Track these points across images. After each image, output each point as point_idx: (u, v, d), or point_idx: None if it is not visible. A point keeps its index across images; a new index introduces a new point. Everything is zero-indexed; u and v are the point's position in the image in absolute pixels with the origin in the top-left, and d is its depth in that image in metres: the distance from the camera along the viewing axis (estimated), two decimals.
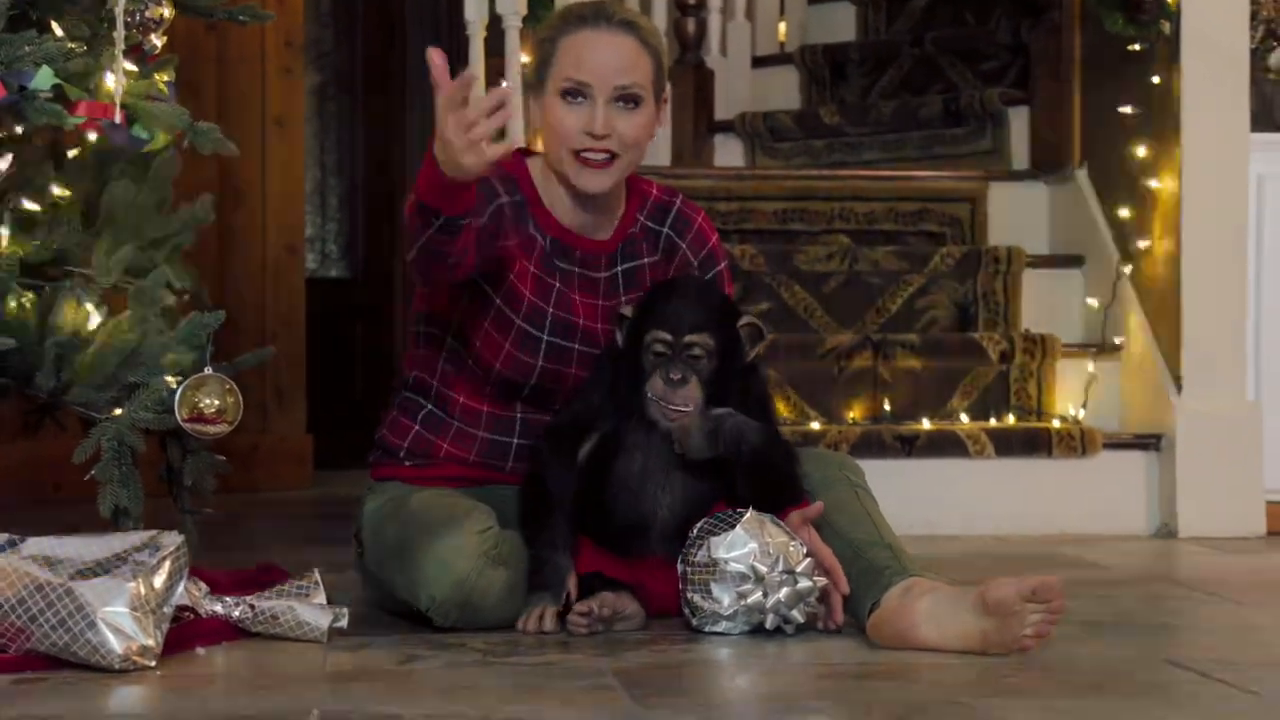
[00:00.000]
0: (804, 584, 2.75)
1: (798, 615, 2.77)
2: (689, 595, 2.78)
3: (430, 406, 3.05)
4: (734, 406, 2.84)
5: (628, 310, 2.91)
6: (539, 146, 3.06)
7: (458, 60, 7.03)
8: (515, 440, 3.02)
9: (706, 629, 2.79)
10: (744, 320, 2.91)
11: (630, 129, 2.90)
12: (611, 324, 2.96)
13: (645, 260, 3.06)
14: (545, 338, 2.96)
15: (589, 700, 2.31)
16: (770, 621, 2.77)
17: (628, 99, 2.89)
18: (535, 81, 2.95)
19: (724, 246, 3.17)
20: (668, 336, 2.82)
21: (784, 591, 2.74)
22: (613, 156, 2.90)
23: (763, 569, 2.74)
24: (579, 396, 2.94)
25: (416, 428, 3.05)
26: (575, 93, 2.88)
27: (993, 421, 4.74)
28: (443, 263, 2.71)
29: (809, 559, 2.76)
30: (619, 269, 3.04)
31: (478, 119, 2.47)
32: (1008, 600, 2.56)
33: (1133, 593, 3.43)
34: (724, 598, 2.75)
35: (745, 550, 2.74)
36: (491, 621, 2.84)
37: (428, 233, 2.66)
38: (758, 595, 2.75)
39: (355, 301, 7.52)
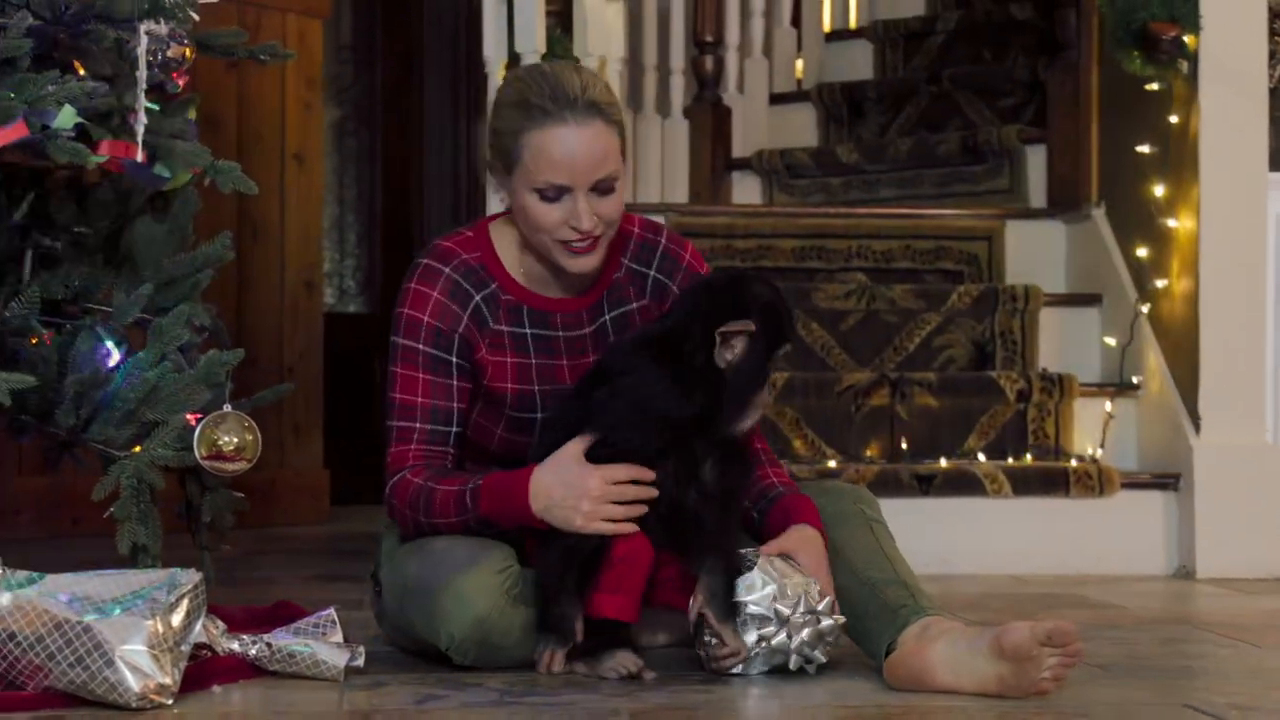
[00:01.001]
0: (826, 623, 2.75)
1: (820, 655, 2.77)
2: (706, 638, 2.77)
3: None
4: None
5: (737, 326, 2.74)
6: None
7: (475, 94, 7.05)
8: None
9: (725, 671, 2.78)
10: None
11: (611, 210, 2.84)
12: (714, 345, 2.77)
13: (634, 305, 3.00)
14: (539, 415, 2.95)
15: None
16: (794, 663, 2.76)
17: (605, 186, 2.83)
18: (497, 164, 2.87)
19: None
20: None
21: (806, 632, 2.74)
22: (597, 238, 2.85)
23: (786, 611, 2.73)
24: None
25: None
26: (553, 193, 2.82)
27: (1010, 460, 4.73)
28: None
29: (828, 597, 2.76)
30: (607, 317, 2.99)
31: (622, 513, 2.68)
32: (1023, 645, 2.55)
33: (1150, 634, 3.41)
34: (746, 640, 2.75)
35: (765, 592, 2.74)
36: (511, 661, 2.84)
37: (454, 526, 2.82)
38: (781, 637, 2.74)
39: (374, 337, 7.51)
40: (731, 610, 2.75)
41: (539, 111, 2.79)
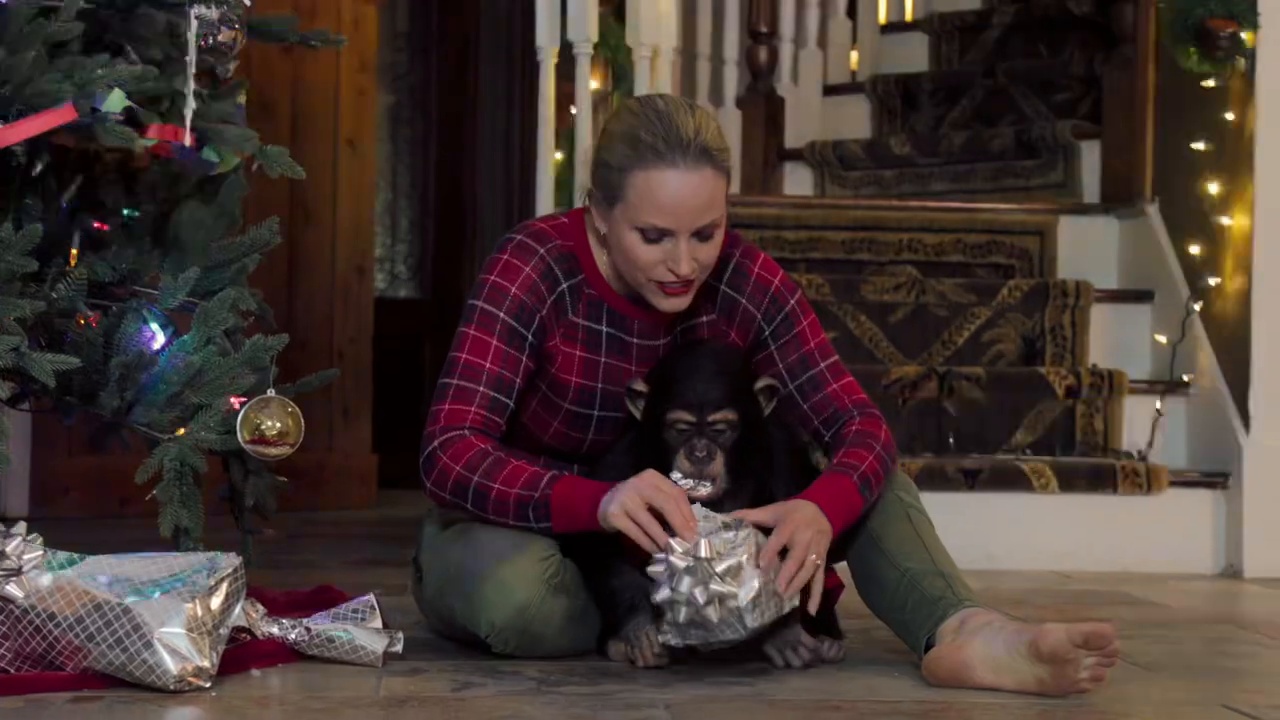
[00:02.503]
0: (716, 588, 2.62)
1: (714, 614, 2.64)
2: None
3: None
4: (757, 469, 2.83)
5: (640, 385, 2.84)
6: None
7: (528, 83, 7.04)
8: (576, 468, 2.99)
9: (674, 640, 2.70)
10: (761, 384, 2.85)
11: (709, 255, 2.79)
12: (626, 398, 2.87)
13: (704, 319, 2.95)
14: (596, 413, 2.93)
15: None
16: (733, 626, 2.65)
17: (708, 232, 2.77)
18: (598, 195, 2.81)
19: (792, 281, 3.01)
20: (690, 418, 2.77)
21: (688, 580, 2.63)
22: (692, 281, 2.80)
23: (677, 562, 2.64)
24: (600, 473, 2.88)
25: None
26: (655, 235, 2.76)
27: (1058, 457, 4.70)
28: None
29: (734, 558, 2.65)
30: (678, 329, 2.95)
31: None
32: (1060, 649, 2.54)
33: (1195, 635, 3.39)
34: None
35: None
36: (550, 650, 2.84)
37: (507, 500, 2.74)
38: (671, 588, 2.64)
39: (423, 321, 7.55)
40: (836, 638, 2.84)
41: (651, 152, 2.72)
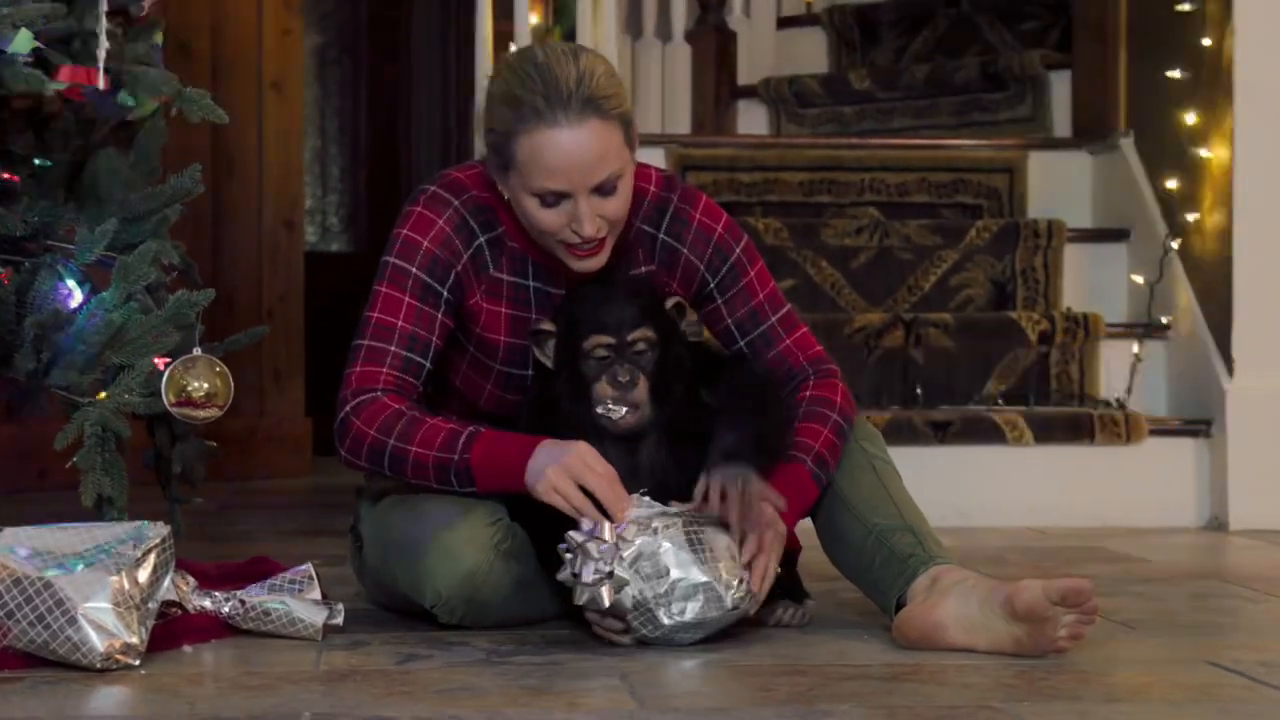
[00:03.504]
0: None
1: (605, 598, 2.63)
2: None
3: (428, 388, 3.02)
4: (677, 393, 2.81)
5: (546, 325, 2.83)
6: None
7: (467, 18, 7.01)
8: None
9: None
10: (671, 301, 2.84)
11: (616, 209, 2.77)
12: (530, 342, 2.86)
13: (642, 269, 2.93)
14: (531, 373, 2.91)
15: (597, 703, 2.31)
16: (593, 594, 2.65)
17: (609, 187, 2.75)
18: (493, 160, 2.80)
19: (738, 226, 2.98)
20: (610, 339, 2.76)
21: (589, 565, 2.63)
22: (603, 239, 2.79)
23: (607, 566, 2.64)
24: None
25: None
26: (552, 199, 2.74)
27: (1032, 406, 4.73)
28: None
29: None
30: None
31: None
32: (1037, 605, 2.55)
33: (1179, 590, 3.41)
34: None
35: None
36: (499, 620, 2.84)
37: (424, 462, 2.73)
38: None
39: (357, 277, 7.50)
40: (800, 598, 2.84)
41: (530, 112, 2.70)
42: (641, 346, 2.77)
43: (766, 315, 2.94)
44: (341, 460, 2.83)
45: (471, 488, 2.73)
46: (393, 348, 2.80)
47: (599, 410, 2.76)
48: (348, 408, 2.78)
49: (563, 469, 2.64)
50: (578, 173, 2.70)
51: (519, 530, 2.84)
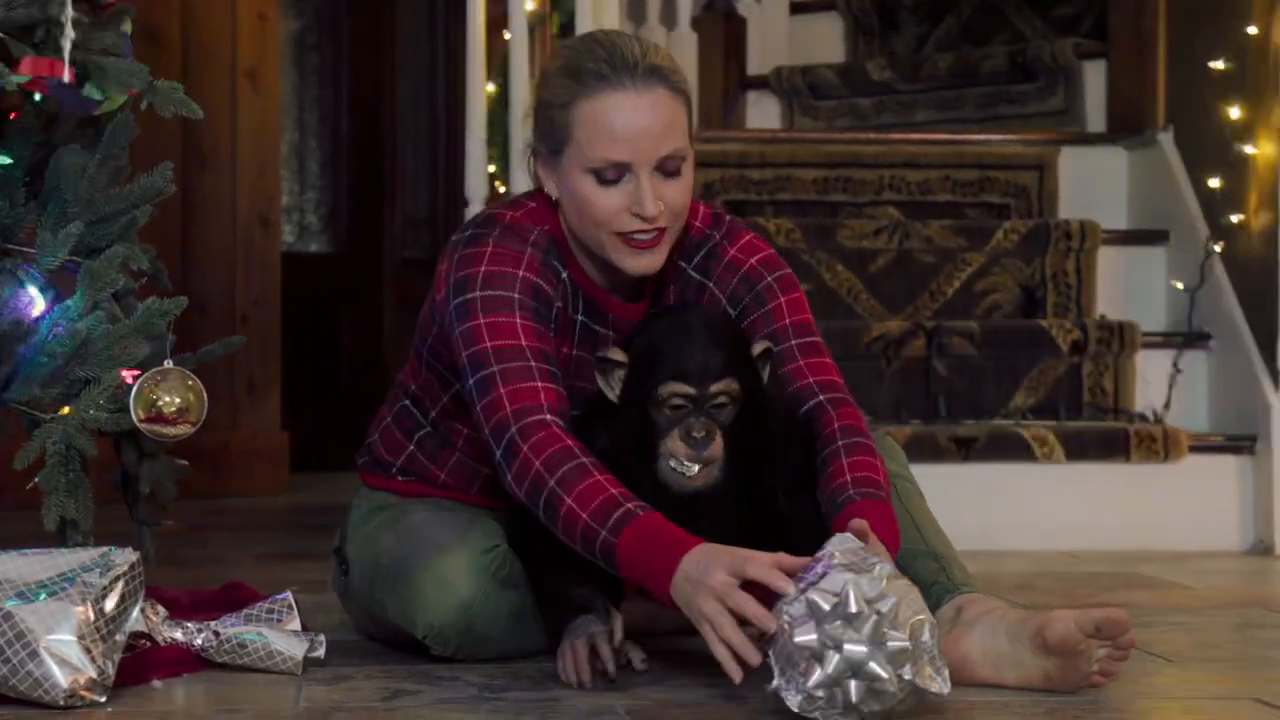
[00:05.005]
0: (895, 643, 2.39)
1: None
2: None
3: (429, 429, 3.00)
4: (754, 452, 2.69)
5: (618, 355, 2.71)
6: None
7: (454, 2, 7.02)
8: None
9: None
10: (758, 348, 2.74)
11: (679, 196, 2.75)
12: (595, 369, 2.74)
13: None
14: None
15: None
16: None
17: (672, 167, 2.74)
18: (542, 147, 2.79)
19: (776, 258, 2.93)
20: (690, 390, 2.64)
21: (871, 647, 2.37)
22: (661, 231, 2.76)
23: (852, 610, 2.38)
24: None
25: (411, 448, 3.00)
26: (613, 174, 2.74)
27: (1062, 421, 4.73)
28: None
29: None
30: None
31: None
32: (1070, 638, 2.55)
33: (1221, 620, 3.42)
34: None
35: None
36: (495, 652, 2.85)
37: (573, 525, 2.56)
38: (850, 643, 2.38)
39: (338, 280, 7.53)
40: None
41: (594, 77, 2.71)
42: (723, 400, 2.66)
43: (787, 338, 2.87)
44: (507, 488, 2.67)
45: (616, 570, 2.58)
46: (532, 363, 2.70)
47: (667, 464, 2.65)
48: (514, 430, 2.64)
49: (711, 593, 2.44)
50: (642, 140, 2.71)
51: (516, 557, 2.84)
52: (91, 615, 2.51)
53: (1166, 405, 4.81)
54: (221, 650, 2.76)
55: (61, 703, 2.48)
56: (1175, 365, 4.84)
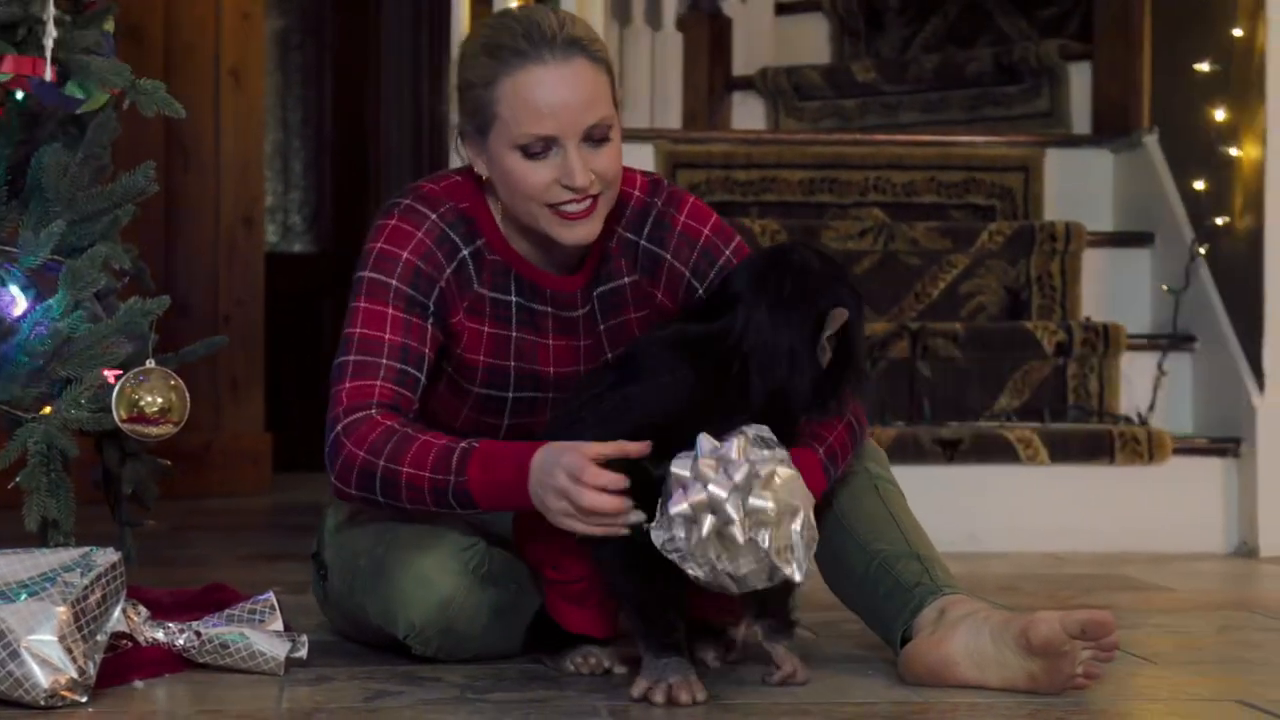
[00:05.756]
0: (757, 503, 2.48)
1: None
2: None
3: None
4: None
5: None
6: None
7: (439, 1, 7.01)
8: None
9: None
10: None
11: (610, 163, 2.77)
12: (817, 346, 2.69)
13: (625, 280, 2.92)
14: (511, 395, 2.90)
15: None
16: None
17: (599, 134, 2.76)
18: (468, 127, 2.80)
19: (728, 228, 2.96)
20: None
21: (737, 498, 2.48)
22: (594, 199, 2.77)
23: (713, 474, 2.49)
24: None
25: None
26: (539, 147, 2.74)
27: (1047, 423, 4.73)
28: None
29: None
30: (595, 294, 2.91)
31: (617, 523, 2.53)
32: (1054, 640, 2.56)
33: (1205, 621, 3.42)
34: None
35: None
36: (476, 651, 2.85)
37: (420, 485, 2.65)
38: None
39: (322, 280, 7.52)
40: (783, 629, 2.70)
41: (513, 53, 2.72)
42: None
43: None
44: (333, 489, 2.78)
45: (475, 509, 2.68)
46: (383, 360, 2.77)
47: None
48: (339, 428, 2.74)
49: (560, 495, 2.54)
50: (566, 112, 2.71)
51: (496, 553, 2.85)
52: (72, 615, 2.51)
53: (1151, 407, 4.82)
54: (203, 651, 2.76)
55: (42, 703, 2.47)
56: (1160, 367, 4.84)
